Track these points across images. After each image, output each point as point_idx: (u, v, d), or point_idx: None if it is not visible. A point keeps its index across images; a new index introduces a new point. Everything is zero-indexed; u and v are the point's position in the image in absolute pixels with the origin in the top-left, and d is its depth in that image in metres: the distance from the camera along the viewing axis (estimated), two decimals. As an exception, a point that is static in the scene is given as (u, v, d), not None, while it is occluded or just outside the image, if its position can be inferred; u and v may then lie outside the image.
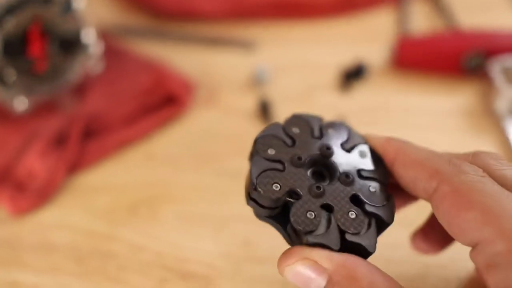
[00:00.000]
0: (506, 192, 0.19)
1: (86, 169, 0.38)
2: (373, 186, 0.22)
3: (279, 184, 0.21)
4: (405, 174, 0.22)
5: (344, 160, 0.23)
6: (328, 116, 0.41)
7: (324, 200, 0.21)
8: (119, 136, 0.40)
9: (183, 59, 0.50)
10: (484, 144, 0.38)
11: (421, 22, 0.54)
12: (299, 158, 0.22)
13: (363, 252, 0.20)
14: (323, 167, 0.23)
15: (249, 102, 0.44)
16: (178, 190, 0.36)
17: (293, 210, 0.20)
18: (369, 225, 0.21)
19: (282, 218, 0.21)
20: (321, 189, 0.21)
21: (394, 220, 0.22)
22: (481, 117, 0.41)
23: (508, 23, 0.51)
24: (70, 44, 0.41)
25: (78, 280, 0.30)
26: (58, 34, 0.40)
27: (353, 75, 0.45)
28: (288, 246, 0.21)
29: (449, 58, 0.44)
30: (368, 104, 0.43)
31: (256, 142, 0.23)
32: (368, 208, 0.21)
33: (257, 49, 0.51)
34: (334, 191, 0.21)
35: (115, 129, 0.41)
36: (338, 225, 0.20)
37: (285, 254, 0.20)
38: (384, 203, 0.22)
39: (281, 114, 0.42)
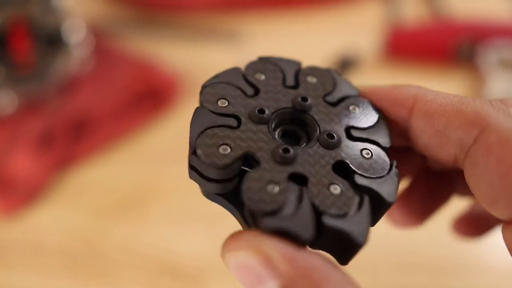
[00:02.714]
0: None
1: (75, 167, 0.38)
2: (368, 150, 0.16)
3: (229, 146, 0.15)
4: (429, 126, 0.16)
5: (327, 117, 0.16)
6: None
7: (294, 169, 0.15)
8: (107, 132, 0.40)
9: (171, 53, 0.49)
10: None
11: (411, 11, 0.53)
12: (261, 111, 0.16)
13: (349, 244, 0.14)
14: (297, 126, 0.17)
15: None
16: (168, 186, 0.36)
17: (247, 182, 0.14)
18: (360, 204, 0.14)
19: (238, 198, 0.15)
20: (290, 153, 0.15)
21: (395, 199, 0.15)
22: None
23: (498, 11, 0.51)
24: (56, 42, 0.41)
25: (68, 280, 0.30)
26: (44, 31, 0.40)
27: (344, 66, 0.45)
28: None
29: (440, 47, 0.44)
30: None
31: (202, 91, 0.17)
32: (359, 180, 0.15)
33: (246, 42, 0.51)
34: (310, 157, 0.15)
35: (103, 126, 0.40)
36: (313, 204, 0.14)
37: (232, 236, 0.14)
38: (383, 173, 0.15)
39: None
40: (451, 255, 0.30)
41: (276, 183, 0.14)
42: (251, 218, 0.15)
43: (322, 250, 0.15)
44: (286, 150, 0.15)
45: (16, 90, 0.40)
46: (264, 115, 0.16)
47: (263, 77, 0.17)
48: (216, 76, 0.17)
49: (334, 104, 0.17)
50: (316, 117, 0.16)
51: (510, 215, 0.14)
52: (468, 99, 0.16)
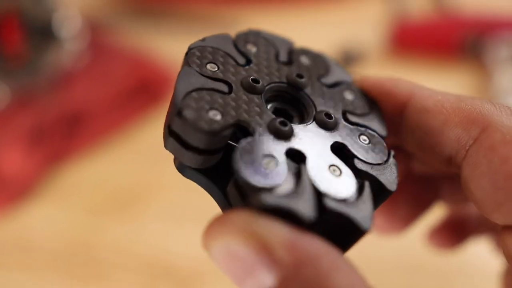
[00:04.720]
0: None
1: (67, 164, 0.37)
2: (366, 136, 0.15)
3: (220, 112, 0.13)
4: (424, 123, 0.15)
5: (322, 98, 0.15)
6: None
7: (292, 144, 0.13)
8: (101, 127, 0.39)
9: (167, 46, 0.48)
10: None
11: (416, 4, 0.52)
12: (255, 81, 0.14)
13: (352, 231, 0.13)
14: (290, 104, 0.15)
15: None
16: (164, 183, 0.35)
17: (239, 152, 0.12)
18: (361, 190, 0.13)
19: (219, 176, 0.14)
20: (288, 127, 0.13)
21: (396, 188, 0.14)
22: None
23: (504, 5, 0.50)
24: (49, 34, 0.39)
25: (59, 281, 0.29)
26: (36, 24, 0.39)
27: (347, 60, 0.44)
28: None
29: (445, 41, 0.43)
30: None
31: (188, 52, 0.15)
32: (359, 165, 0.14)
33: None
34: (307, 135, 0.14)
35: (97, 121, 0.39)
36: (312, 184, 0.12)
37: (219, 220, 0.12)
38: (382, 161, 0.14)
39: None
40: (455, 257, 0.29)
41: (273, 157, 0.12)
42: (239, 197, 0.13)
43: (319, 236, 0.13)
44: (283, 123, 0.13)
45: (8, 84, 0.38)
46: (258, 85, 0.14)
47: (254, 49, 0.16)
48: (204, 40, 0.15)
49: (329, 87, 0.16)
50: (312, 97, 0.15)
51: None
52: (467, 97, 0.15)
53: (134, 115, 0.40)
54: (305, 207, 0.12)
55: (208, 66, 0.14)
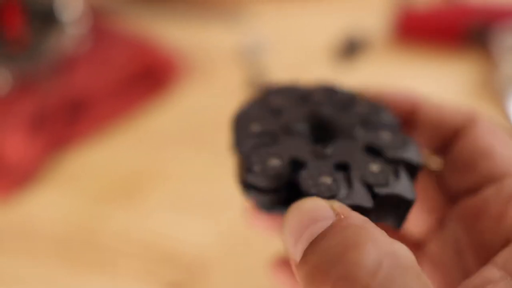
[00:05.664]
0: None
1: (70, 150, 0.37)
2: (385, 131, 0.18)
3: (276, 157, 0.17)
4: (427, 118, 0.19)
5: (341, 115, 0.19)
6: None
7: (336, 160, 0.17)
8: (104, 113, 0.38)
9: (171, 32, 0.48)
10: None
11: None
12: (291, 124, 0.18)
13: (402, 204, 0.16)
14: (319, 128, 0.19)
15: (240, 78, 0.42)
16: (169, 170, 0.34)
17: (302, 180, 0.16)
18: (397, 173, 0.16)
19: (287, 200, 0.16)
20: (328, 150, 0.17)
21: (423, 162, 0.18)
22: (482, 89, 0.39)
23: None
24: (51, 19, 0.39)
25: (62, 269, 0.29)
26: (38, 7, 0.38)
27: (351, 48, 0.44)
28: None
29: (451, 30, 0.43)
30: (368, 78, 0.41)
31: (234, 121, 0.19)
32: (390, 153, 0.17)
33: (249, 22, 0.49)
34: (343, 148, 0.17)
35: (100, 107, 0.39)
36: (361, 181, 0.16)
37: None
38: (404, 144, 0.17)
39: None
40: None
41: (327, 174, 0.16)
42: None
43: (378, 221, 0.16)
44: (324, 148, 0.17)
45: (9, 69, 0.38)
46: (295, 126, 0.18)
47: (280, 100, 0.20)
48: (243, 106, 0.20)
49: (343, 106, 0.20)
50: (335, 117, 0.19)
51: (499, 173, 0.17)
52: (457, 103, 0.20)
53: (137, 101, 0.40)
54: (363, 199, 0.15)
55: (252, 126, 0.18)
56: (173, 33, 0.48)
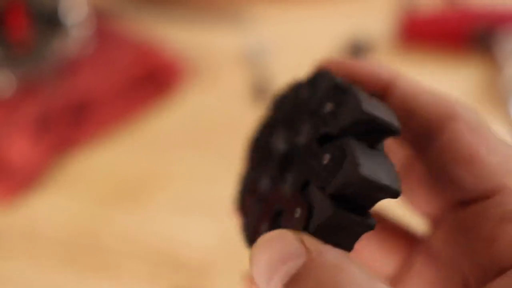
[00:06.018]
0: None
1: (74, 152, 0.37)
2: (328, 103, 0.15)
3: (263, 225, 0.16)
4: (402, 107, 0.17)
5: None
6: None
7: (297, 185, 0.15)
8: (108, 116, 0.38)
9: (175, 35, 0.48)
10: (488, 121, 0.37)
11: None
12: (271, 150, 0.17)
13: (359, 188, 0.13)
14: (278, 169, 0.17)
15: (244, 80, 0.42)
16: (172, 173, 0.34)
17: (283, 225, 0.15)
18: (344, 153, 0.13)
19: None
20: (290, 173, 0.15)
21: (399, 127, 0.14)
22: (486, 92, 0.39)
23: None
24: (55, 21, 0.39)
25: (66, 271, 0.29)
26: (42, 10, 0.38)
27: (355, 52, 0.44)
28: None
29: (455, 34, 0.42)
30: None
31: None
32: (335, 127, 0.14)
33: (253, 25, 0.49)
34: (303, 162, 0.15)
35: (104, 110, 0.39)
36: (319, 190, 0.13)
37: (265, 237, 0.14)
38: (346, 103, 0.14)
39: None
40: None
41: (297, 205, 0.15)
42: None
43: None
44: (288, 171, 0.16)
45: (13, 71, 0.38)
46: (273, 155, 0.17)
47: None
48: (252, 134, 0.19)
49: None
50: (276, 145, 0.17)
51: (483, 190, 0.15)
52: (437, 90, 0.17)
53: (141, 104, 0.40)
54: (324, 212, 0.13)
55: (252, 157, 0.18)
56: (177, 36, 0.48)
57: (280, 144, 0.17)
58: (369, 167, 0.12)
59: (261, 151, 0.18)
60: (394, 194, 0.13)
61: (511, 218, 0.14)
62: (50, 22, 0.39)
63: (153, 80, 0.41)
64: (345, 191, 0.13)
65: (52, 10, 0.39)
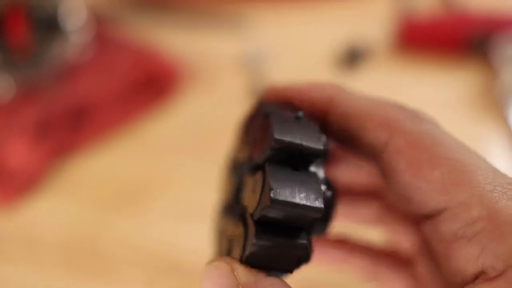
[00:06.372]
0: (471, 148, 0.15)
1: (74, 157, 0.37)
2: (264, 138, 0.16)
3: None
4: (345, 127, 0.17)
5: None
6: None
7: (239, 210, 0.16)
8: (108, 121, 0.38)
9: (174, 40, 0.48)
10: (485, 127, 0.37)
11: (423, 2, 0.52)
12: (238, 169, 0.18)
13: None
14: (234, 210, 0.18)
15: (242, 85, 0.42)
16: (171, 178, 0.34)
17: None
18: (263, 182, 0.14)
19: None
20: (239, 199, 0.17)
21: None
22: (483, 98, 0.39)
23: None
24: (55, 27, 0.39)
25: (65, 275, 0.29)
26: (41, 15, 0.38)
27: (353, 57, 0.44)
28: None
29: (452, 39, 0.42)
30: (369, 86, 0.41)
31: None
32: (255, 161, 0.15)
33: (251, 30, 0.49)
34: (245, 190, 0.16)
35: (103, 115, 0.39)
36: (251, 216, 0.15)
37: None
38: (267, 139, 0.15)
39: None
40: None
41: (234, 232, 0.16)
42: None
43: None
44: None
45: (13, 76, 0.38)
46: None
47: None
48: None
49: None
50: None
51: (430, 210, 0.15)
52: (380, 102, 0.16)
53: (140, 109, 0.40)
54: (251, 239, 0.14)
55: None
56: (175, 41, 0.48)
57: (237, 173, 0.18)
58: (284, 189, 0.13)
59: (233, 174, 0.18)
60: (315, 210, 0.13)
61: (461, 236, 0.14)
62: (50, 27, 0.39)
63: (152, 85, 0.41)
64: (268, 216, 0.13)
65: (51, 15, 0.39)
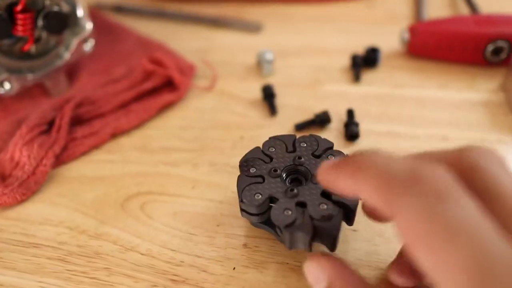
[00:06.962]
0: (479, 217, 0.15)
1: (75, 159, 0.36)
2: None
3: (260, 194, 0.26)
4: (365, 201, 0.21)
5: (314, 165, 0.27)
6: (338, 105, 0.39)
7: (298, 199, 0.25)
8: (112, 124, 0.37)
9: (183, 40, 0.47)
10: (503, 139, 0.35)
11: (438, 7, 0.51)
12: (275, 170, 0.27)
13: (328, 235, 0.24)
14: (298, 174, 0.27)
15: (252, 88, 0.41)
16: (172, 184, 0.33)
17: (272, 211, 0.25)
18: (338, 212, 0.24)
19: (270, 222, 0.26)
20: (295, 191, 0.25)
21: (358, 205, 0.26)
22: (501, 109, 0.38)
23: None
24: (60, 23, 0.38)
25: (62, 281, 0.28)
26: (47, 12, 0.37)
27: (365, 62, 0.43)
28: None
29: (469, 47, 0.41)
30: (381, 93, 0.40)
31: (240, 166, 0.28)
32: (335, 198, 0.25)
33: (263, 32, 0.48)
34: (307, 191, 0.25)
35: (108, 116, 0.38)
36: (310, 216, 0.24)
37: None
38: None
39: (287, 101, 0.40)
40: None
41: (289, 208, 0.25)
42: (280, 231, 0.26)
43: (316, 241, 0.25)
44: (292, 190, 0.26)
45: (17, 73, 0.38)
46: (277, 173, 0.27)
47: (273, 149, 0.28)
48: (246, 155, 0.28)
49: (318, 156, 0.28)
50: (308, 167, 0.27)
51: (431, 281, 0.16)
52: (386, 169, 0.18)
53: (146, 110, 0.39)
54: (306, 229, 0.24)
55: (251, 170, 0.27)
56: (181, 42, 0.47)
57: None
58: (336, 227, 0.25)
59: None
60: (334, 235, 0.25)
61: None
62: (57, 24, 0.38)
63: (160, 84, 0.40)
64: (323, 231, 0.25)
65: (59, 13, 0.38)
